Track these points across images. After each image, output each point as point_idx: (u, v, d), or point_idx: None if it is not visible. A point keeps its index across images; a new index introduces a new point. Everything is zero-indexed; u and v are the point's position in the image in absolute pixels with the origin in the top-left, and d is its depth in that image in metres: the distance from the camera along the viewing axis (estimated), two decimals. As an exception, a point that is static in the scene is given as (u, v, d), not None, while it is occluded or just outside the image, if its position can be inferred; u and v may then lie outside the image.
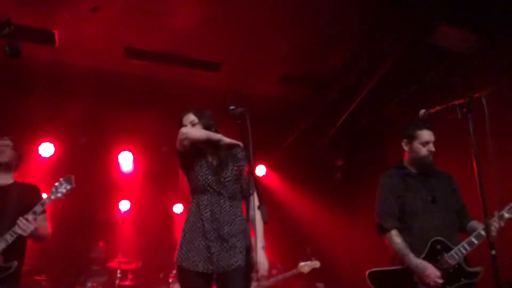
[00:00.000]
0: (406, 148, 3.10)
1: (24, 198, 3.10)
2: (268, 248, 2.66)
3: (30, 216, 2.91)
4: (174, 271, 5.03)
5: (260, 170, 7.24)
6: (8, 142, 3.20)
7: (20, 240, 2.97)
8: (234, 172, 2.71)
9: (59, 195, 3.05)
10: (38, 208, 2.96)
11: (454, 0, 4.43)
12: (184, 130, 2.68)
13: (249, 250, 2.61)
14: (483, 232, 2.74)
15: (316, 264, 4.87)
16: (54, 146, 6.23)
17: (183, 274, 2.61)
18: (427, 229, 2.87)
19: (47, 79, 5.47)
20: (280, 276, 4.98)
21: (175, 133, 2.73)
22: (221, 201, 2.64)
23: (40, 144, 6.16)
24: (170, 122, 3.19)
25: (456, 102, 2.50)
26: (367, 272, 2.88)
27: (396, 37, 4.95)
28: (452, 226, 2.96)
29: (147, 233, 6.45)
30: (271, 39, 5.12)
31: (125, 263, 5.60)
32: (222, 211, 2.62)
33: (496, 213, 2.76)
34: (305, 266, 4.85)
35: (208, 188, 2.65)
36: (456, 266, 2.79)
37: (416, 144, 3.02)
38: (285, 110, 6.45)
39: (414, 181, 3.03)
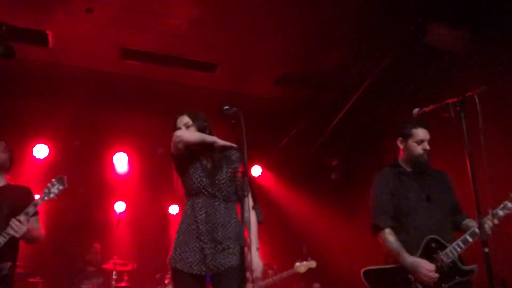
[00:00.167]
0: (401, 146, 3.10)
1: (17, 199, 3.09)
2: (264, 248, 2.66)
3: (22, 217, 2.90)
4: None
5: (256, 171, 7.24)
6: (0, 143, 3.18)
7: (13, 242, 2.96)
8: (229, 174, 2.72)
9: (52, 195, 3.03)
10: (30, 209, 2.95)
11: (448, 0, 4.46)
12: (178, 133, 2.68)
13: (243, 251, 2.61)
14: (477, 230, 2.74)
15: (312, 264, 4.87)
16: (48, 147, 6.20)
17: (177, 276, 2.62)
18: (422, 227, 2.87)
19: (41, 80, 5.44)
20: (276, 276, 4.97)
21: (170, 134, 2.73)
22: (216, 203, 2.65)
23: (34, 146, 6.14)
24: (165, 123, 3.19)
25: (449, 101, 2.52)
26: (362, 271, 2.88)
27: (391, 38, 4.97)
28: (447, 224, 2.96)
29: (143, 234, 6.43)
30: (266, 40, 5.12)
31: (121, 265, 5.57)
32: (217, 213, 2.63)
33: (490, 211, 2.76)
34: (302, 266, 4.85)
35: (203, 190, 2.66)
36: (451, 264, 2.80)
37: (411, 143, 3.02)
38: (281, 111, 6.45)
39: (408, 180, 3.03)
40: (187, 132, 2.73)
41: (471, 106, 2.43)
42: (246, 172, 2.47)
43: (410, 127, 3.04)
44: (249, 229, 2.64)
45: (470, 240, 2.80)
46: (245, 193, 2.64)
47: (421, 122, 3.02)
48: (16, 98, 5.63)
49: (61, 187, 3.06)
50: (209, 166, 2.72)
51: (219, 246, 2.57)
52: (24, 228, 2.90)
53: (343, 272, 6.14)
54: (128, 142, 6.56)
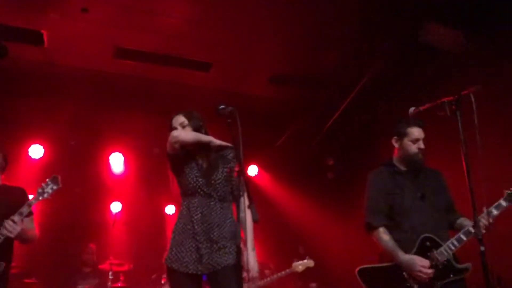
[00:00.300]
0: (396, 145, 3.10)
1: (11, 200, 3.08)
2: (260, 248, 2.66)
3: (16, 217, 2.89)
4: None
5: (252, 170, 7.23)
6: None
7: (7, 242, 2.95)
8: (225, 173, 2.72)
9: (46, 195, 3.02)
10: (24, 209, 2.94)
11: (446, 0, 4.46)
12: (175, 133, 2.68)
13: (240, 250, 2.61)
14: (471, 229, 2.75)
15: (310, 263, 4.87)
16: (44, 147, 6.17)
17: (173, 275, 2.62)
18: (417, 226, 2.88)
19: (36, 80, 5.42)
20: (274, 276, 4.97)
21: (166, 134, 2.72)
22: (212, 203, 2.65)
23: (29, 146, 6.10)
24: (161, 123, 3.18)
25: (445, 99, 2.52)
26: (356, 270, 2.89)
27: (387, 37, 4.98)
28: (441, 223, 2.97)
29: (139, 234, 6.41)
30: (261, 39, 5.12)
31: (117, 265, 5.56)
32: (213, 213, 2.63)
33: (484, 209, 2.77)
34: (299, 265, 4.85)
35: (199, 190, 2.66)
36: (446, 262, 2.80)
37: (406, 141, 3.02)
38: (277, 110, 6.45)
39: (403, 179, 3.03)
40: (183, 132, 2.72)
41: (467, 105, 2.43)
42: (242, 172, 2.47)
43: (405, 126, 3.04)
44: (244, 229, 2.64)
45: (465, 238, 2.80)
46: (241, 193, 2.64)
47: (416, 121, 3.02)
48: (11, 98, 5.60)
49: (55, 187, 3.04)
50: (204, 166, 2.72)
51: (215, 246, 2.57)
52: (18, 229, 2.89)
53: (340, 271, 6.14)
54: (124, 142, 6.54)
